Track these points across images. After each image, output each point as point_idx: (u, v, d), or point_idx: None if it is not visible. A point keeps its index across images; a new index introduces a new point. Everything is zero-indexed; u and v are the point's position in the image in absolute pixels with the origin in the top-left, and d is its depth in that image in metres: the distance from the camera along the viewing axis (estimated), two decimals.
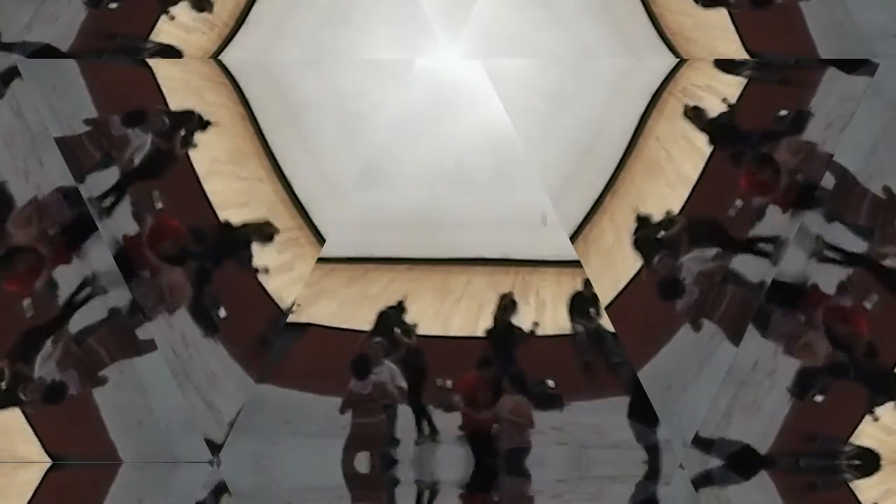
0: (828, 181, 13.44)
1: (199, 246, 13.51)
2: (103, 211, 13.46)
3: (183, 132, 13.59)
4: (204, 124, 13.65)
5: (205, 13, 13.86)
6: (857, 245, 13.35)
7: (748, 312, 13.25)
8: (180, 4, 13.93)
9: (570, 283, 13.46)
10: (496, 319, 13.38)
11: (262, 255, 13.53)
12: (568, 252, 13.53)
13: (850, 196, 13.43)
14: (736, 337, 13.20)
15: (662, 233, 13.38)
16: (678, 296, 13.38)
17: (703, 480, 13.16)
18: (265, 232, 13.50)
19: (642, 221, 13.48)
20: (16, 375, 13.26)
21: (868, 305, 13.29)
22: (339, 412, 13.18)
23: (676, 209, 13.48)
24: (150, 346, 13.35)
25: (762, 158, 13.47)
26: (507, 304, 13.41)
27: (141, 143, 13.59)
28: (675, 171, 13.63)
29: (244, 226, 13.49)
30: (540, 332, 13.43)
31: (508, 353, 13.36)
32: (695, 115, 13.62)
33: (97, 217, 13.39)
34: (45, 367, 13.23)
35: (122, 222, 13.48)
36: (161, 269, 13.36)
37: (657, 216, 13.47)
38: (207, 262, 13.47)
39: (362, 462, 13.25)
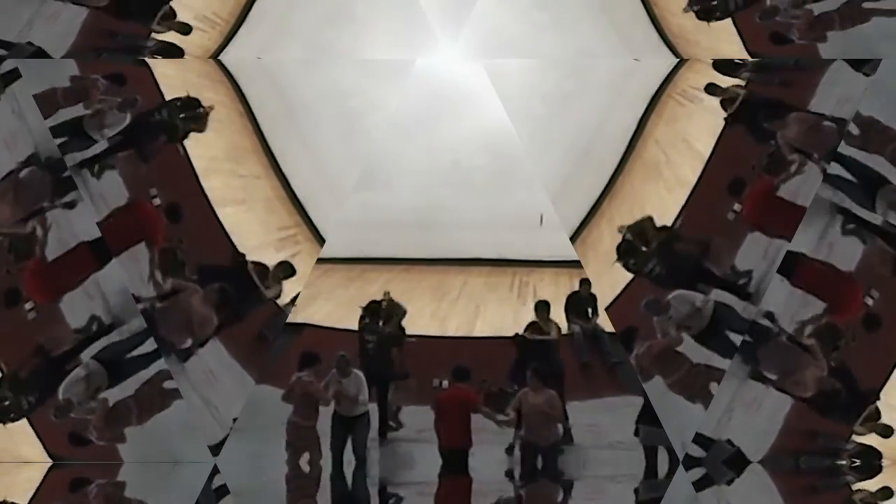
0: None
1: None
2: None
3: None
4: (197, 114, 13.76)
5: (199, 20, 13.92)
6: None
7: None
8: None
9: (567, 284, 13.41)
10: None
11: (259, 254, 13.58)
12: (565, 252, 13.50)
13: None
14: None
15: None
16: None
17: (701, 479, 13.24)
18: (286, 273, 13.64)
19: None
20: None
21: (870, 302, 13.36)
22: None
23: (672, 217, 13.55)
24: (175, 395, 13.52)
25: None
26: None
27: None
28: (673, 175, 13.60)
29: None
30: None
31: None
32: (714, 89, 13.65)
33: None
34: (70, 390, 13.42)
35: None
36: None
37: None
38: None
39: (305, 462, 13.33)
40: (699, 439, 13.08)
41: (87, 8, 13.74)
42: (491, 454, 13.19)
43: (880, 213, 13.30)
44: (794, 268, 13.23)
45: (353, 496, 13.12)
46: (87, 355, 13.27)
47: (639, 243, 13.39)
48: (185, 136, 13.60)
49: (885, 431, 13.11)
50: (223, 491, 13.01)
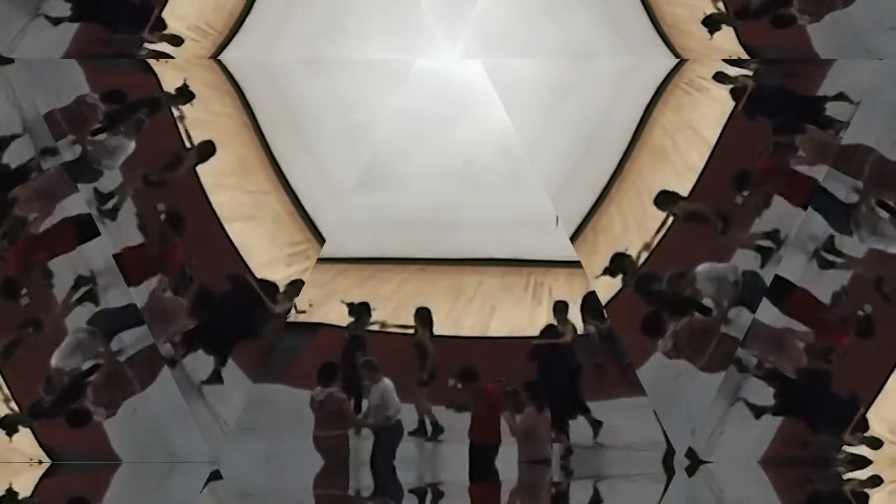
0: None
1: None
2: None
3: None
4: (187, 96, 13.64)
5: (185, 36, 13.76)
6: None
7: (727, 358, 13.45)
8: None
9: (582, 284, 13.46)
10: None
11: (268, 269, 13.57)
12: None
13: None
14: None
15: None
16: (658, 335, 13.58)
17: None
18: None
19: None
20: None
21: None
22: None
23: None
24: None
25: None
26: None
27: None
28: (681, 160, 13.57)
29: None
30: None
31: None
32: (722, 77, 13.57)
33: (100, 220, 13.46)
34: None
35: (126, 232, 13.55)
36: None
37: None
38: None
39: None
40: (690, 455, 13.26)
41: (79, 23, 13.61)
42: (514, 453, 13.35)
43: (857, 235, 13.35)
44: (783, 296, 13.31)
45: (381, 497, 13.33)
46: (75, 324, 13.36)
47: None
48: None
49: (874, 444, 13.28)
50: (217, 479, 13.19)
